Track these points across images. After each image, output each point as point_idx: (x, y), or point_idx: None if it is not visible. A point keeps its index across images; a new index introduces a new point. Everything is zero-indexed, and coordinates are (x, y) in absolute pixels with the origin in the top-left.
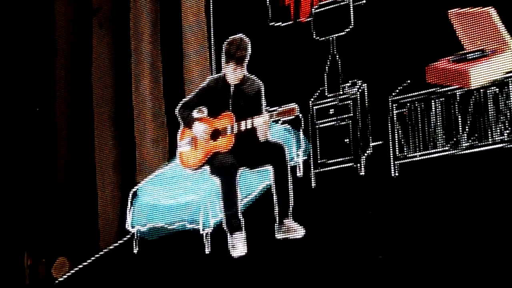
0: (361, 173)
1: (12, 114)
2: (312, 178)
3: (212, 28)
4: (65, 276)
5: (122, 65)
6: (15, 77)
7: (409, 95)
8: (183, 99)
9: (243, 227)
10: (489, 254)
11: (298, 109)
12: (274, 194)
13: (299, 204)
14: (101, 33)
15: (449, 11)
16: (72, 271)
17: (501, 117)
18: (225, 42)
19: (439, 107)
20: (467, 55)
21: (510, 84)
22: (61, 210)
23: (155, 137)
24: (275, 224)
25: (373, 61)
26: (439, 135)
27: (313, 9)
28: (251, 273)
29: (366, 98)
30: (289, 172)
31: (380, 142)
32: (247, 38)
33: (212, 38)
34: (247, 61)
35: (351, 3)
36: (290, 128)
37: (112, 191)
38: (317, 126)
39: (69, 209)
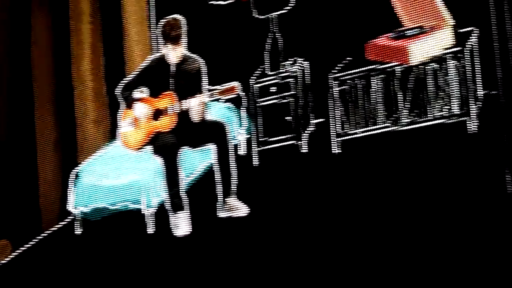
0: (303, 151)
1: None
2: (254, 156)
3: (153, 8)
4: (7, 259)
5: (62, 45)
6: None
7: (349, 72)
8: (123, 80)
9: (187, 206)
10: (431, 228)
11: (239, 87)
12: (217, 172)
13: (242, 183)
14: (40, 13)
15: None
16: (15, 254)
17: (441, 93)
18: (159, 25)
19: (379, 83)
20: (406, 32)
21: (448, 60)
22: (1, 192)
23: (96, 117)
24: (218, 203)
25: (313, 39)
26: (380, 111)
27: None
28: (195, 252)
29: (307, 75)
30: (231, 150)
31: (322, 120)
32: (181, 16)
33: (153, 18)
34: (185, 40)
35: None
36: (232, 106)
37: (53, 172)
38: (258, 104)
39: (9, 190)
